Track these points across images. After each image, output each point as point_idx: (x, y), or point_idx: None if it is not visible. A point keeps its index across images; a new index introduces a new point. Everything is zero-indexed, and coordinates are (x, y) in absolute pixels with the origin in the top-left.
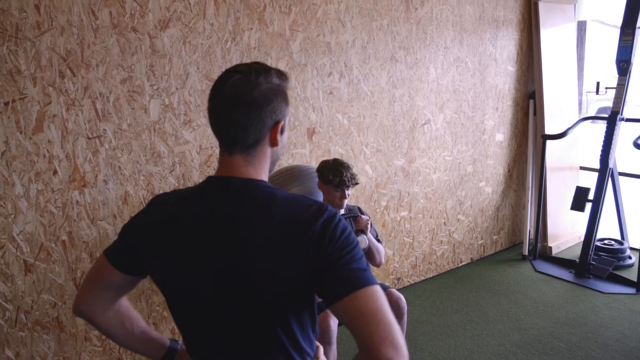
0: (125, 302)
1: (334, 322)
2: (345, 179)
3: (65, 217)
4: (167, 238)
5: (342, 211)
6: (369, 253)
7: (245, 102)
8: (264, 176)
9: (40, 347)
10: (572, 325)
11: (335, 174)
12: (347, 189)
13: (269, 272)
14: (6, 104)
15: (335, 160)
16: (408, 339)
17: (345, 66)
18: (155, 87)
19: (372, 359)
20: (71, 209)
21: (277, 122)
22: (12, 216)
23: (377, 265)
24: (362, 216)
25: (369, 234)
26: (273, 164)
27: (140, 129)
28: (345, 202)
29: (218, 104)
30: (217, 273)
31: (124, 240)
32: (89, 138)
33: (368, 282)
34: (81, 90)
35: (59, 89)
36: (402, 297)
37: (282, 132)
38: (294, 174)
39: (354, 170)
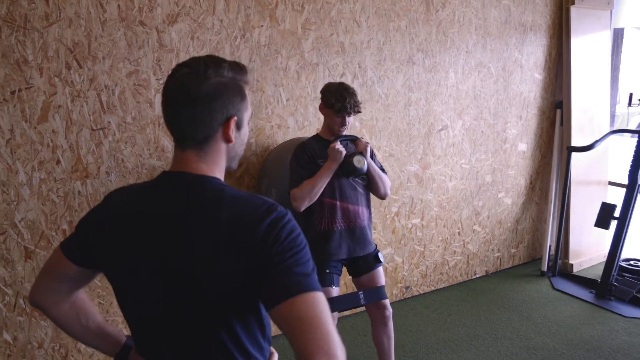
0: (82, 295)
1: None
2: (348, 104)
3: (67, 206)
4: (117, 234)
5: (343, 132)
6: (371, 180)
7: (193, 97)
8: (218, 173)
9: (37, 332)
10: (586, 348)
11: (337, 98)
12: (348, 116)
13: (210, 269)
14: (12, 92)
15: (340, 83)
16: (409, 351)
17: (359, 67)
18: (161, 82)
19: None
20: (73, 199)
21: (229, 118)
22: (15, 203)
23: (382, 197)
24: (361, 139)
25: (369, 159)
26: (231, 160)
27: (145, 122)
28: (345, 131)
29: (167, 99)
30: (163, 270)
31: (79, 234)
32: (93, 130)
33: (309, 287)
34: (87, 82)
35: (64, 80)
36: (388, 305)
37: (238, 128)
38: (293, 141)
39: (360, 98)
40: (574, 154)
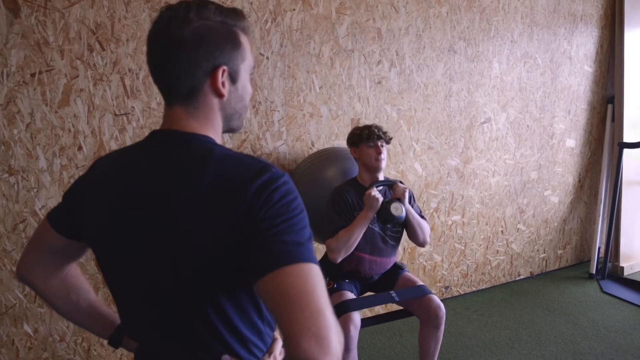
0: (74, 271)
1: (354, 327)
2: (375, 129)
3: None
4: (99, 200)
5: (380, 177)
6: (409, 227)
7: (173, 42)
8: (212, 132)
9: (59, 325)
10: (636, 354)
11: (362, 129)
12: (381, 143)
13: (188, 240)
14: (32, 75)
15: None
16: (447, 352)
17: (397, 55)
18: None
19: (289, 353)
20: None
21: (216, 67)
22: (35, 190)
23: (422, 244)
24: (399, 183)
25: (408, 206)
26: (227, 119)
27: None
28: (384, 160)
29: (149, 46)
30: (144, 243)
31: (65, 203)
32: (116, 115)
33: (300, 258)
34: (110, 65)
35: (87, 62)
36: (441, 305)
37: (233, 80)
38: (329, 154)
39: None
40: (625, 151)
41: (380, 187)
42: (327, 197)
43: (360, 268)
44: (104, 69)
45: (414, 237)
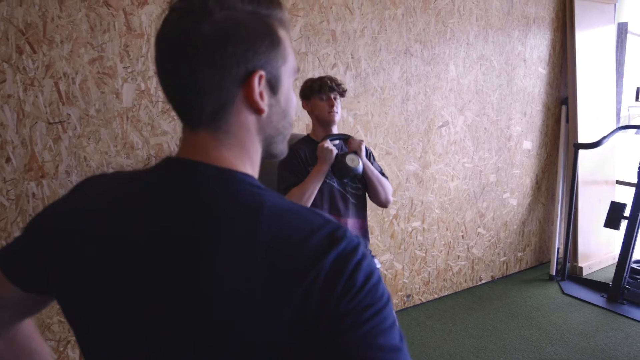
0: (27, 329)
1: None
2: (328, 80)
3: (19, 210)
4: (87, 250)
5: (334, 129)
6: (369, 184)
7: (189, 43)
8: (249, 166)
9: None
10: (601, 357)
11: (314, 80)
12: (334, 95)
13: (231, 331)
14: None
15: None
16: None
17: (352, 57)
18: (129, 70)
19: None
20: (26, 202)
21: (251, 72)
22: None
23: (384, 204)
24: (354, 137)
25: (365, 159)
26: (268, 143)
27: (111, 115)
28: (338, 114)
29: (159, 53)
30: (153, 322)
31: (27, 242)
32: (49, 123)
33: None
34: (42, 69)
35: (15, 66)
36: None
37: (273, 90)
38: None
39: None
40: (580, 152)
41: (336, 142)
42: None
43: None
44: (35, 73)
45: (375, 195)
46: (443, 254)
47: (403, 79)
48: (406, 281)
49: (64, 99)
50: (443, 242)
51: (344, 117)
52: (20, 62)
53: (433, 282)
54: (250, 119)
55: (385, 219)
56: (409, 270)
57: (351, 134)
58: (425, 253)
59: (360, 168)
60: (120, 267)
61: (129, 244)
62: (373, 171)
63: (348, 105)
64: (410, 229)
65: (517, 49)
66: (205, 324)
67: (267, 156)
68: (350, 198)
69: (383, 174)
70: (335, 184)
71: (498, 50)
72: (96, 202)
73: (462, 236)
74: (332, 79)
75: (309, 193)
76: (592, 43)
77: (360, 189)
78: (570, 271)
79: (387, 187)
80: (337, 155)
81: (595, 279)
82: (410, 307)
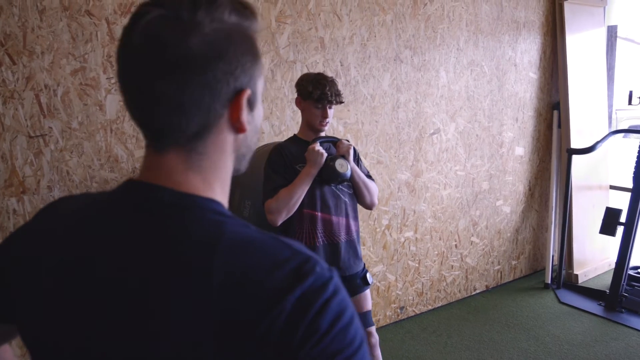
0: (3, 357)
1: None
2: (328, 92)
3: None
4: (44, 277)
5: (322, 134)
6: (355, 187)
7: (176, 60)
8: (219, 189)
9: None
10: None
11: (315, 85)
12: (330, 107)
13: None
14: None
15: (318, 73)
16: None
17: (342, 65)
18: (113, 81)
19: None
20: (7, 219)
21: (239, 92)
22: None
23: (369, 206)
24: (343, 140)
25: (353, 164)
26: (238, 162)
27: (94, 128)
28: (328, 124)
29: (128, 64)
30: (101, 354)
31: None
32: (30, 137)
33: None
34: (22, 81)
35: None
36: (377, 343)
37: (251, 107)
38: (265, 147)
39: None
40: (573, 158)
41: (325, 145)
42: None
43: (316, 231)
44: (15, 85)
45: (361, 198)
46: (436, 264)
47: (393, 86)
48: (399, 293)
49: (45, 112)
50: (436, 252)
51: (334, 127)
52: None
53: (427, 293)
54: (229, 138)
55: (378, 230)
56: (402, 281)
57: None
58: (419, 263)
59: (348, 173)
60: (72, 296)
61: (82, 274)
62: (360, 175)
63: (338, 114)
64: (402, 239)
65: (508, 53)
66: (143, 346)
67: (233, 172)
68: (342, 196)
69: (369, 176)
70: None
71: (489, 55)
72: (54, 228)
73: (456, 245)
74: (332, 90)
75: (298, 195)
76: (582, 47)
77: (351, 187)
78: (565, 279)
79: (373, 189)
80: (326, 158)
81: (592, 287)
82: (404, 319)
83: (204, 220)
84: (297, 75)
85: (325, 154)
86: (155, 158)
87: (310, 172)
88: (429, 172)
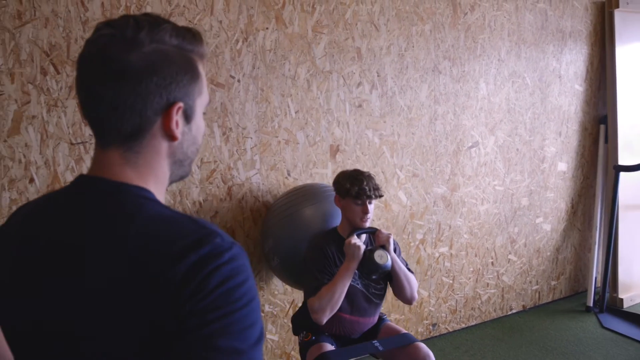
0: None
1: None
2: (366, 187)
3: None
4: (5, 253)
5: (366, 224)
6: (395, 280)
7: (117, 70)
8: (153, 183)
9: None
10: None
11: (353, 182)
12: (370, 202)
13: (94, 328)
14: None
15: (355, 170)
16: None
17: (378, 76)
18: None
19: None
20: None
21: (171, 104)
22: None
23: (409, 301)
24: (382, 230)
25: (393, 254)
26: (176, 166)
27: None
28: (369, 220)
29: (82, 72)
30: (43, 316)
31: None
32: (72, 144)
33: None
34: (65, 90)
35: (40, 87)
36: (430, 354)
37: (187, 119)
38: (306, 192)
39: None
40: (621, 175)
41: (363, 236)
42: (305, 240)
43: (341, 329)
44: (58, 94)
45: (401, 291)
46: (471, 281)
47: (431, 97)
48: (432, 309)
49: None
50: (472, 269)
51: (369, 138)
52: (44, 83)
53: (460, 311)
54: (163, 144)
55: (412, 244)
56: (435, 297)
57: (377, 158)
58: (453, 280)
59: (389, 264)
60: (24, 275)
61: (31, 256)
62: (401, 267)
63: (373, 125)
64: (437, 255)
65: (552, 65)
66: (86, 314)
67: (175, 178)
68: (373, 299)
69: (409, 269)
70: (359, 286)
71: (531, 66)
72: (14, 223)
73: (492, 263)
74: (370, 185)
75: (339, 292)
76: (633, 57)
77: (384, 288)
78: (609, 302)
79: (414, 283)
80: (365, 251)
81: (638, 312)
82: (436, 336)
83: (128, 201)
84: (334, 86)
85: (363, 246)
86: (100, 154)
87: (350, 267)
88: (466, 187)
